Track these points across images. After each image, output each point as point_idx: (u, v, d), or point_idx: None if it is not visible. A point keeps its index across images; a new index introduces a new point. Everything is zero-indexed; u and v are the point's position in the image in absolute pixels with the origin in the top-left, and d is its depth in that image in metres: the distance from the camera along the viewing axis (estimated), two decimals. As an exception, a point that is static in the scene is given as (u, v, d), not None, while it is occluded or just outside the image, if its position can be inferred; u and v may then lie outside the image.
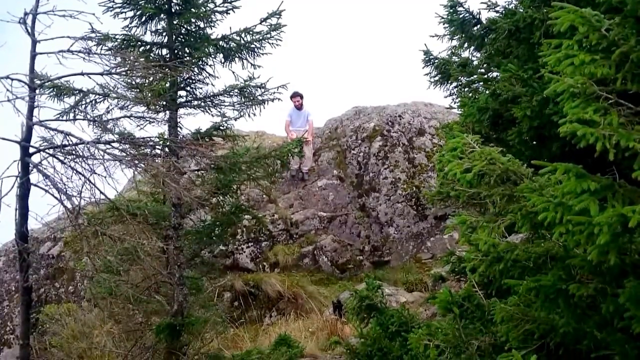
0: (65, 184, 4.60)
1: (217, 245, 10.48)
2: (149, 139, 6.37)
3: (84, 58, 4.79)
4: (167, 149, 7.21)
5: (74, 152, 4.68)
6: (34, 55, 5.04)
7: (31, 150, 4.93)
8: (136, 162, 5.13)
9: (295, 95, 13.63)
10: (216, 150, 8.33)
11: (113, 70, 4.98)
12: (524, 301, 3.77)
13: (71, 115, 6.40)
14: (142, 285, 7.66)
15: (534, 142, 5.71)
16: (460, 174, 3.80)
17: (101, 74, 4.92)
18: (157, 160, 6.69)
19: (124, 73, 5.17)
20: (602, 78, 3.00)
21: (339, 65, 69.07)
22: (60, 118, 5.73)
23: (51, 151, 4.76)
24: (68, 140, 4.71)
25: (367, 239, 12.67)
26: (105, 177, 4.68)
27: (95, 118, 5.50)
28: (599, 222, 2.62)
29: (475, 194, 4.01)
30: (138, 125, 6.77)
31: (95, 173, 4.65)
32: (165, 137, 7.31)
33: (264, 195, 13.16)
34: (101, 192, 4.63)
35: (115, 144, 5.13)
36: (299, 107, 13.66)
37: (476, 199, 4.10)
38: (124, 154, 5.03)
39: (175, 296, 7.52)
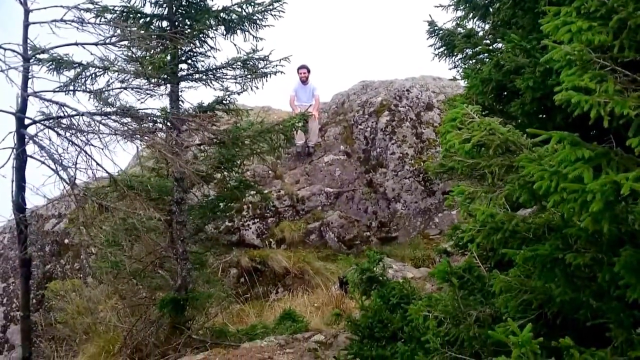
0: (61, 155, 4.59)
1: (222, 220, 10.49)
2: (149, 111, 6.33)
3: (77, 28, 4.74)
4: (168, 124, 7.18)
5: (69, 123, 4.65)
6: (26, 25, 5.00)
7: (27, 121, 4.92)
8: (134, 134, 5.10)
9: (302, 68, 13.51)
10: (220, 125, 8.29)
11: (107, 41, 4.94)
12: (523, 272, 3.74)
13: (70, 88, 6.37)
14: (145, 260, 7.69)
15: (538, 114, 5.63)
16: (459, 144, 3.75)
17: (95, 44, 4.88)
18: (158, 134, 6.67)
19: (119, 44, 5.11)
20: (600, 45, 2.94)
21: (346, 38, 68.51)
22: (60, 91, 5.69)
23: (47, 123, 4.74)
24: (63, 112, 4.69)
25: (374, 215, 12.63)
26: (102, 149, 4.66)
27: (95, 90, 5.46)
28: (592, 190, 2.57)
29: (475, 164, 3.96)
30: (139, 99, 6.76)
31: (91, 144, 4.63)
32: (167, 111, 7.28)
33: (270, 171, 13.13)
34: (98, 164, 4.61)
35: (113, 116, 5.10)
36: (305, 80, 13.54)
37: (476, 170, 4.05)
38: (121, 126, 5.00)
39: (179, 271, 7.55)
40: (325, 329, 7.70)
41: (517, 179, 3.47)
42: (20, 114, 4.88)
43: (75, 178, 4.60)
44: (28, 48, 5.06)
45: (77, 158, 4.53)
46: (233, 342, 7.69)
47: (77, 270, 11.62)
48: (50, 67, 6.51)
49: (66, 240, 12.10)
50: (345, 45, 67.36)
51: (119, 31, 5.29)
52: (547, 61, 3.14)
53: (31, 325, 5.91)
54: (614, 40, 2.88)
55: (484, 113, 4.09)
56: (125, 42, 5.26)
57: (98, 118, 4.78)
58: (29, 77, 4.96)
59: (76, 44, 4.83)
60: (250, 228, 11.82)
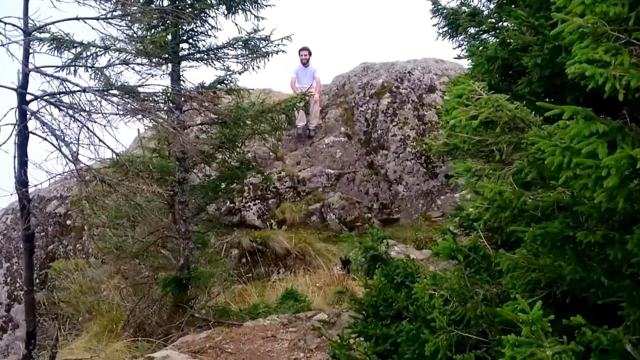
0: (63, 132, 4.56)
1: (223, 201, 10.48)
2: (151, 89, 6.27)
3: (78, 2, 4.67)
4: (170, 104, 7.14)
5: (71, 101, 4.61)
6: (27, -1, 4.94)
7: (28, 97, 4.87)
8: (137, 112, 5.05)
9: (303, 50, 13.41)
10: (221, 107, 8.26)
11: (109, 15, 4.88)
12: (531, 250, 3.70)
13: (72, 69, 6.31)
14: (148, 240, 7.68)
15: (547, 94, 5.55)
16: (466, 120, 3.69)
17: (96, 19, 4.82)
18: (160, 113, 6.63)
19: (120, 19, 5.05)
20: (615, 18, 2.87)
21: (346, 19, 67.94)
22: (63, 66, 5.63)
23: (49, 98, 4.69)
24: (65, 87, 4.64)
25: (375, 197, 12.58)
26: (104, 125, 4.63)
27: (95, 68, 5.40)
28: (607, 165, 2.52)
29: (482, 142, 3.91)
30: (142, 78, 6.71)
31: (94, 121, 4.59)
32: (169, 88, 7.24)
33: (271, 153, 13.07)
34: (100, 140, 4.57)
35: (114, 91, 5.05)
36: (306, 63, 13.44)
37: (482, 148, 4.00)
38: (124, 102, 4.96)
39: (181, 250, 7.54)
40: (327, 309, 7.71)
41: (527, 155, 3.42)
42: (21, 89, 4.84)
43: (77, 154, 4.57)
44: (29, 22, 5.00)
45: (79, 134, 4.51)
46: (236, 320, 7.72)
47: (80, 250, 11.63)
48: (51, 46, 6.44)
49: (68, 222, 12.10)
50: (346, 26, 66.85)
51: (120, 6, 5.23)
52: (556, 37, 3.08)
53: (34, 299, 5.91)
54: (629, 12, 2.82)
55: (490, 92, 4.03)
56: (127, 18, 5.20)
57: (99, 94, 4.73)
58: (30, 52, 4.92)
59: (77, 18, 4.76)
60: (251, 209, 11.78)
